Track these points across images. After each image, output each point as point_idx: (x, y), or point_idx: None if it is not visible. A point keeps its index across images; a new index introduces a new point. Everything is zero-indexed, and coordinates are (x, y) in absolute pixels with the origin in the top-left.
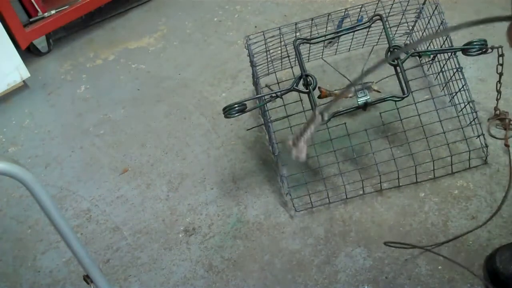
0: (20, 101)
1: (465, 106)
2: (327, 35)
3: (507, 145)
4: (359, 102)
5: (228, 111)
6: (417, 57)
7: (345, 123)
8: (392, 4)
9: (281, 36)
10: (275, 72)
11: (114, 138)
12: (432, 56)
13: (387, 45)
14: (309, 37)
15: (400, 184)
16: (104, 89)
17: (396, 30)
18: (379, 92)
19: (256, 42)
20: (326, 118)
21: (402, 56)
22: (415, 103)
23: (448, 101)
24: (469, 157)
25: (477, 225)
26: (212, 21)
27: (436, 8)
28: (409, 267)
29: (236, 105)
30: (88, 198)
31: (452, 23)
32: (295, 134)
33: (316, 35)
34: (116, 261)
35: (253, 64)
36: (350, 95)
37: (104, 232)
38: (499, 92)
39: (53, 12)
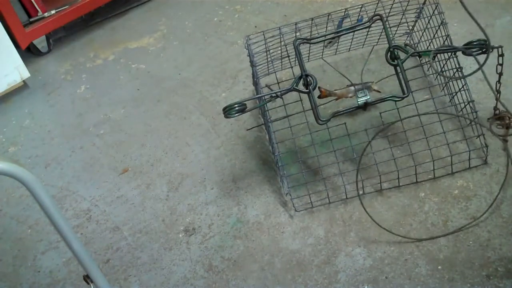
0: (20, 101)
1: (465, 106)
2: (327, 35)
3: (505, 140)
4: (359, 102)
5: (228, 111)
6: (417, 57)
7: (345, 123)
8: (392, 4)
9: (281, 36)
10: (275, 72)
11: (114, 138)
12: (432, 56)
13: (387, 45)
14: (309, 37)
15: (400, 184)
16: (104, 89)
17: (396, 30)
18: (379, 92)
19: (256, 42)
20: None
21: (402, 56)
22: (415, 103)
23: (448, 101)
24: (469, 157)
25: (476, 225)
26: (212, 21)
27: (436, 8)
28: (409, 267)
29: (236, 105)
30: (88, 198)
31: (452, 23)
32: None
33: (316, 35)
34: (116, 261)
35: (253, 64)
36: (350, 95)
37: (104, 232)
38: (499, 92)
39: (53, 12)
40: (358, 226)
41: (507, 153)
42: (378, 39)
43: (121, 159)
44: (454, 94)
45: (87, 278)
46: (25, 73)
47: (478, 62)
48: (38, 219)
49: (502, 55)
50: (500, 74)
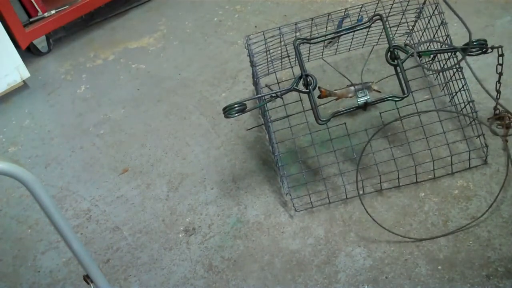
0: (20, 101)
1: (465, 106)
2: (327, 35)
3: (505, 140)
4: (359, 102)
5: (228, 111)
6: (417, 57)
7: (345, 123)
8: (392, 4)
9: (281, 36)
10: (275, 72)
11: (114, 138)
12: (432, 56)
13: (387, 45)
14: (309, 37)
15: (400, 184)
16: (104, 89)
17: (396, 30)
18: (379, 92)
19: (256, 42)
20: None
21: (402, 56)
22: (415, 103)
23: (448, 101)
24: (469, 157)
25: (476, 225)
26: (212, 21)
27: (436, 8)
28: (409, 267)
29: (236, 105)
30: (88, 198)
31: (452, 23)
32: None
33: (316, 35)
34: (116, 261)
35: (253, 64)
36: (350, 95)
37: (104, 232)
38: (498, 92)
39: (53, 12)
40: (358, 226)
41: (507, 153)
42: (378, 39)
43: (121, 159)
44: (454, 94)
45: (87, 278)
46: (25, 73)
47: (500, 54)
48: (38, 219)
49: (502, 55)
50: (500, 74)
